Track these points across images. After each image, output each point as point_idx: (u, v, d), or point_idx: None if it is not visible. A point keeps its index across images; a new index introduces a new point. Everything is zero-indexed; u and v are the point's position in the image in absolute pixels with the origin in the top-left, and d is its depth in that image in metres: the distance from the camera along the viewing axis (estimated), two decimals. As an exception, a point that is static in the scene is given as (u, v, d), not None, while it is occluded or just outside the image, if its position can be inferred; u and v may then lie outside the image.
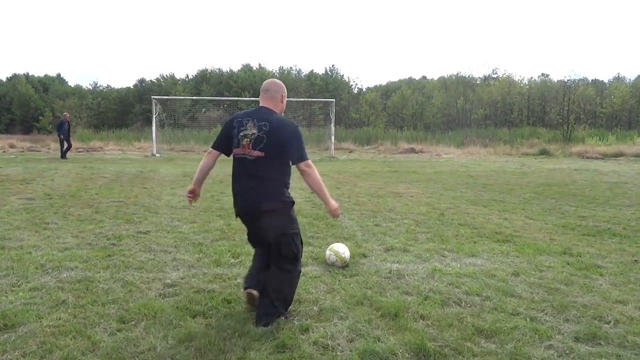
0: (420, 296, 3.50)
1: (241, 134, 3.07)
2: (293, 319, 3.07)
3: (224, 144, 3.21)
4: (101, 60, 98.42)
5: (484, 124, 38.89)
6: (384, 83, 62.70)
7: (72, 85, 59.66)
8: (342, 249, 4.27)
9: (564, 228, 6.04)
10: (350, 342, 2.79)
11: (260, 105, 3.22)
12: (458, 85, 46.38)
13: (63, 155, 18.34)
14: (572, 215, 7.01)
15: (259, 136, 3.01)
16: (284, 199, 3.08)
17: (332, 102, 24.99)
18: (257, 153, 3.00)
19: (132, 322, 3.01)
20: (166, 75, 54.78)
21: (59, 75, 63.35)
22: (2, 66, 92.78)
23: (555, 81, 45.11)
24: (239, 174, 3.12)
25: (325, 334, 2.87)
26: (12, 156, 20.12)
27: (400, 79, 61.87)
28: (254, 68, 55.94)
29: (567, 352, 2.69)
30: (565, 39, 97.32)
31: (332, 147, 23.14)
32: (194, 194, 3.32)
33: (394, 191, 9.53)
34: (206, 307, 3.26)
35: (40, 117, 46.84)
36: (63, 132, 18.06)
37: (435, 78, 58.13)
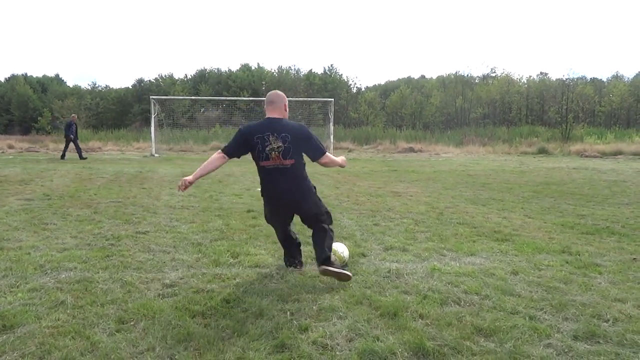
0: (419, 295, 3.50)
1: (267, 148, 3.65)
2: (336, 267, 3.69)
3: (238, 152, 3.79)
4: (99, 60, 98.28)
5: (483, 123, 38.87)
6: (382, 82, 62.69)
7: (71, 86, 59.49)
8: (341, 249, 4.26)
9: (563, 227, 6.04)
10: (350, 341, 2.79)
11: (268, 116, 3.77)
12: (457, 84, 46.37)
13: (63, 155, 18.35)
14: (571, 213, 7.02)
15: (285, 147, 3.65)
16: (312, 187, 3.92)
17: (330, 101, 25.00)
18: (289, 161, 3.68)
19: (131, 323, 3.01)
20: (165, 75, 54.66)
21: (57, 75, 63.19)
22: (0, 67, 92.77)
23: (554, 80, 45.20)
24: (277, 180, 3.74)
25: (324, 333, 2.87)
26: (10, 157, 20.10)
27: (399, 78, 61.83)
28: (253, 68, 55.82)
29: (566, 350, 2.69)
30: (563, 37, 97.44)
31: (331, 147, 23.14)
32: (186, 185, 3.65)
33: (393, 190, 9.53)
34: (205, 307, 3.26)
35: (39, 118, 46.58)
36: (72, 132, 18.13)
37: (434, 77, 58.07)
